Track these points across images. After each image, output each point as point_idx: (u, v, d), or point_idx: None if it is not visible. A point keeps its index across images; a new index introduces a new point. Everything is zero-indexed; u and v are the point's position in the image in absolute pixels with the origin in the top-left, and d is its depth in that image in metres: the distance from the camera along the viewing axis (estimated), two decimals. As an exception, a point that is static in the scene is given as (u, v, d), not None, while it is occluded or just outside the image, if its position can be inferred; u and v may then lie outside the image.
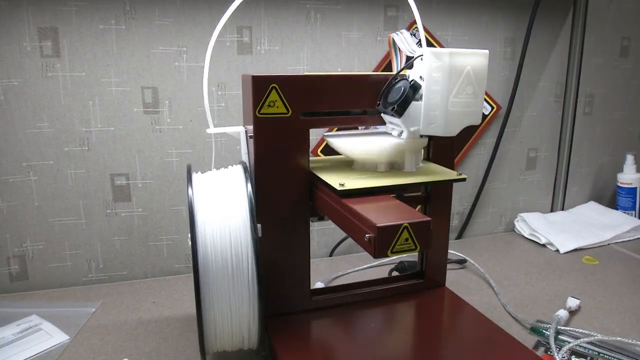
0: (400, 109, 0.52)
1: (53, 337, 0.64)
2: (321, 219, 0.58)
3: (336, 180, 0.50)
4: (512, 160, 1.07)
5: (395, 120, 0.54)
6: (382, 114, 0.56)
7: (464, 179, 0.54)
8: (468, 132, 1.00)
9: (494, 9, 0.96)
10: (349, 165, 0.59)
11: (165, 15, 0.77)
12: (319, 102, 0.55)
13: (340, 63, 0.88)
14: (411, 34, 0.56)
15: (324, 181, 0.52)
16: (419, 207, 0.64)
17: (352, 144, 0.56)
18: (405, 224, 0.42)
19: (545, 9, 1.00)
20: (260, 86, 0.52)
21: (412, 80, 0.51)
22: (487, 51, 0.51)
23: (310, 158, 0.57)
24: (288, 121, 0.53)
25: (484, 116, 1.00)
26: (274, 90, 0.52)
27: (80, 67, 0.76)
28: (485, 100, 0.99)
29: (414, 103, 0.52)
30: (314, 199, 0.56)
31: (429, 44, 0.92)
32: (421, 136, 0.54)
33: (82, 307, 0.72)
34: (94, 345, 0.62)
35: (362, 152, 0.56)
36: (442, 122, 0.51)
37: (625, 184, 1.09)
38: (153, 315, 0.70)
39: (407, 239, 0.42)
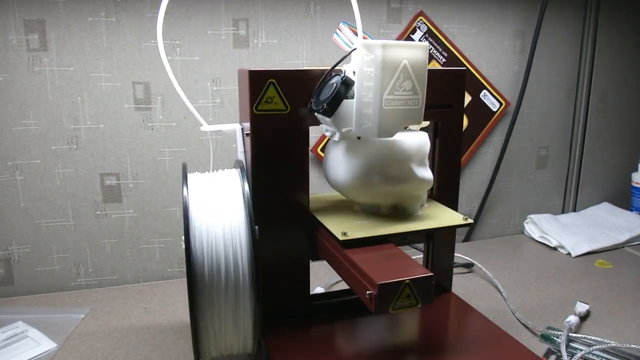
0: (330, 107, 0.48)
1: (40, 344, 0.63)
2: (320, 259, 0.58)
3: (338, 228, 0.51)
4: (522, 159, 1.06)
5: (327, 120, 0.51)
6: (315, 114, 0.52)
7: (469, 225, 0.54)
8: (475, 130, 0.99)
9: (503, 0, 0.96)
10: (349, 205, 0.58)
11: (157, 7, 0.77)
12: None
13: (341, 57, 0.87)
14: (348, 25, 0.52)
15: (325, 226, 0.52)
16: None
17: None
18: (407, 281, 0.42)
19: (556, 1, 0.99)
20: (257, 81, 0.51)
21: (344, 76, 0.48)
22: (426, 44, 0.49)
23: (311, 197, 0.57)
24: (287, 118, 0.53)
25: (492, 113, 0.99)
26: (271, 86, 0.51)
27: (68, 62, 0.75)
28: (494, 96, 0.98)
29: (346, 101, 0.49)
30: (315, 243, 0.56)
31: (435, 37, 0.91)
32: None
33: (70, 313, 0.71)
34: (83, 353, 0.62)
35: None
36: (376, 122, 0.47)
37: (640, 184, 1.09)
38: (145, 322, 0.69)
39: (408, 295, 0.43)
